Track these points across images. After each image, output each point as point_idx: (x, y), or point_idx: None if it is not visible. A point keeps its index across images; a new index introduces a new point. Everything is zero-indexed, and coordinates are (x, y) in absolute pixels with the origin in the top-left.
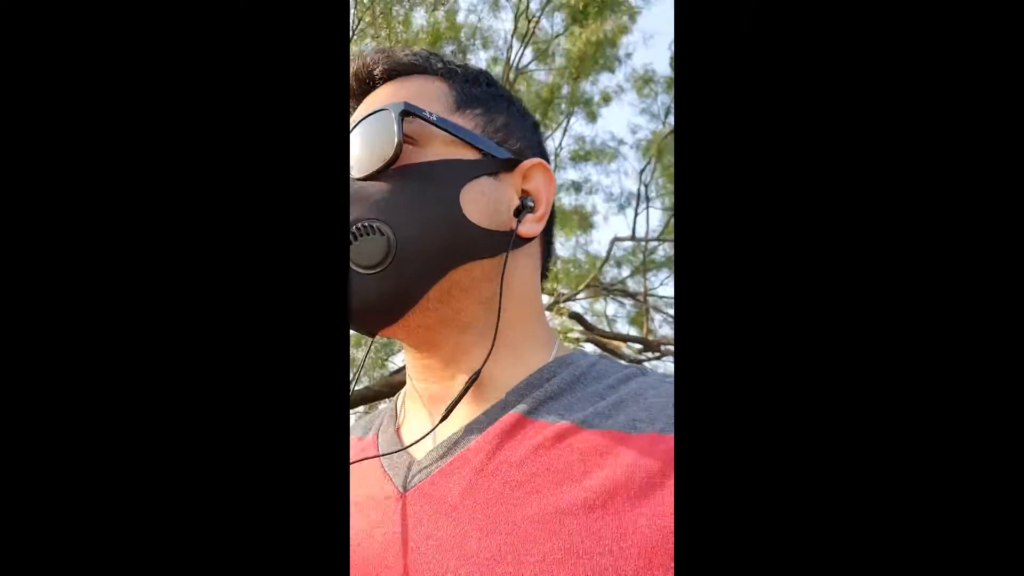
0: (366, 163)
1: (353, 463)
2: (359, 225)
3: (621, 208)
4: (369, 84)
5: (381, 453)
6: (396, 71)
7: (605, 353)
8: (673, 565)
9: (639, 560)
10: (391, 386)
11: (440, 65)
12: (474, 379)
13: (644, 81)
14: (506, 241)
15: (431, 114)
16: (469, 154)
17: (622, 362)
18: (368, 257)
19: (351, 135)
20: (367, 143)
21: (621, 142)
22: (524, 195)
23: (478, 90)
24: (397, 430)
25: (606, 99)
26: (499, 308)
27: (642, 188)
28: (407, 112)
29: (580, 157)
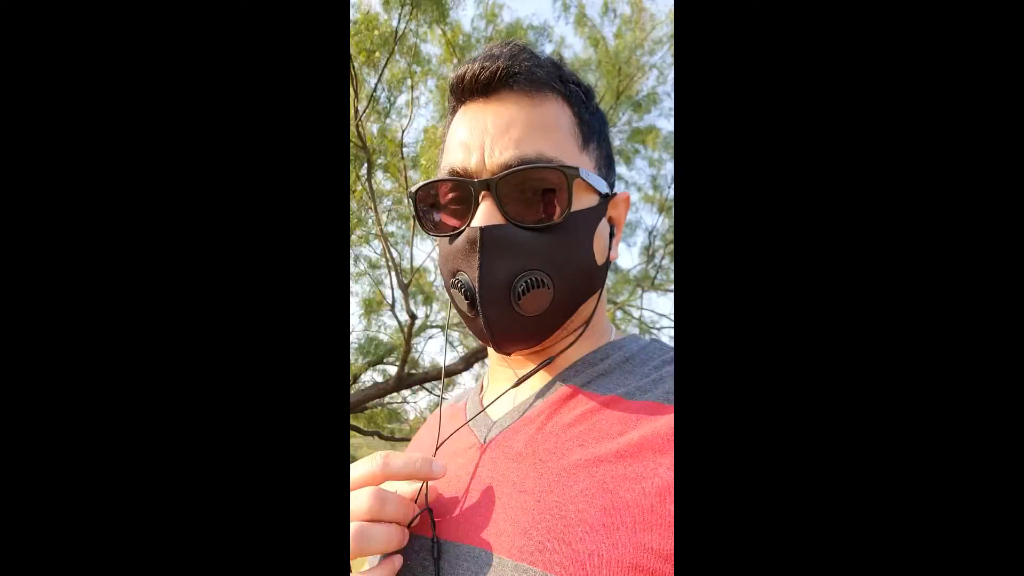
0: (524, 208)
1: (460, 426)
2: (532, 278)
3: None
4: (494, 85)
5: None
6: (528, 81)
7: (656, 338)
8: None
9: (655, 497)
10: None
11: (561, 86)
12: (547, 362)
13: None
14: (607, 269)
15: (589, 175)
16: (594, 198)
17: (669, 345)
18: (534, 307)
19: (506, 176)
20: (530, 191)
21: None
22: (611, 222)
23: (593, 118)
24: (480, 399)
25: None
26: (590, 320)
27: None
28: (576, 175)
29: None
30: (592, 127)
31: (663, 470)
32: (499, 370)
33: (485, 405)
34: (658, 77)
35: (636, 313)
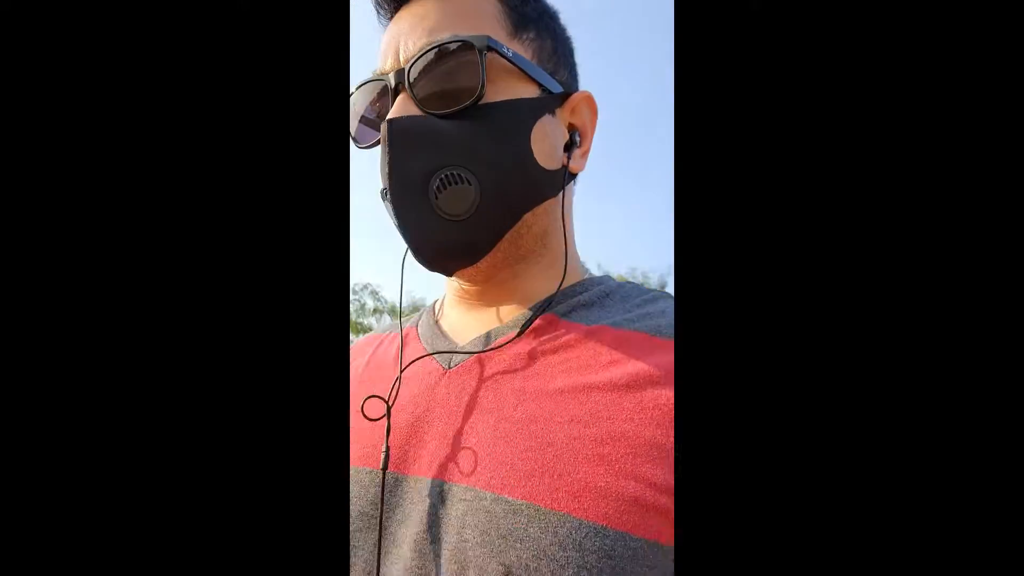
0: (440, 98)
1: (411, 361)
2: (448, 174)
3: None
4: None
5: (425, 342)
6: None
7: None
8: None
9: (655, 428)
10: None
11: None
12: (548, 302)
13: None
14: (561, 179)
15: (508, 50)
16: (531, 90)
17: (646, 287)
18: (455, 206)
19: (416, 61)
20: (442, 75)
21: None
22: (572, 129)
23: (528, 7)
24: (436, 323)
25: None
26: (564, 240)
27: None
28: (490, 47)
29: None
30: (527, 16)
31: (663, 401)
32: (457, 300)
33: (442, 327)
34: None
35: None
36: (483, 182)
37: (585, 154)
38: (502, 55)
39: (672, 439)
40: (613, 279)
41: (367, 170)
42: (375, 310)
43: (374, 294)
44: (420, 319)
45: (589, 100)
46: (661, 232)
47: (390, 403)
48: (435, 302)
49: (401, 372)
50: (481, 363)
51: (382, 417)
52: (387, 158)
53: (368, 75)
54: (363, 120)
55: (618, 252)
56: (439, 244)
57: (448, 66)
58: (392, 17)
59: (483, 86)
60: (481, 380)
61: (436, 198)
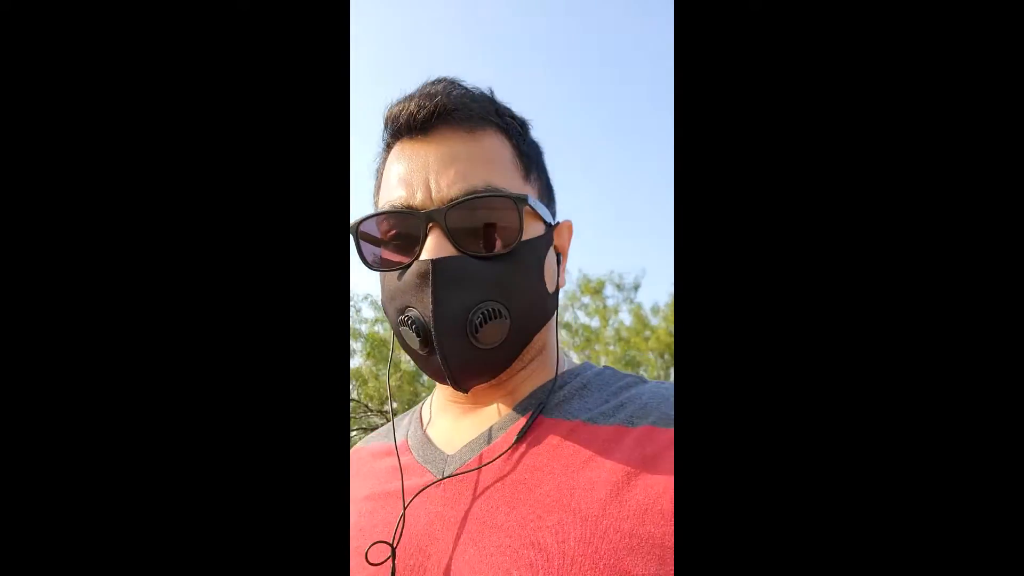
0: (474, 239)
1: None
2: (489, 309)
3: None
4: (432, 122)
5: (416, 453)
6: (466, 117)
7: (608, 365)
8: (663, 522)
9: (634, 520)
10: None
11: (498, 119)
12: (541, 408)
13: None
14: (557, 297)
15: (536, 202)
16: (540, 226)
17: (623, 372)
18: (493, 337)
19: (456, 206)
20: (479, 220)
21: None
22: (557, 251)
23: (531, 149)
24: (425, 434)
25: None
26: (557, 350)
27: None
28: (526, 202)
29: None
30: (531, 158)
31: (638, 491)
32: (449, 405)
33: (430, 437)
34: None
35: None
36: (514, 313)
37: (564, 268)
38: (532, 207)
39: (649, 527)
40: (592, 366)
41: (364, 184)
42: (376, 320)
43: (374, 303)
44: (409, 429)
45: (569, 226)
46: (638, 235)
47: (394, 544)
48: (421, 406)
49: (405, 508)
50: (471, 472)
51: (386, 560)
52: (431, 296)
53: (387, 203)
54: (365, 237)
55: (597, 256)
56: (473, 371)
57: (485, 213)
58: (404, 138)
59: (520, 237)
60: (472, 490)
61: (477, 331)
